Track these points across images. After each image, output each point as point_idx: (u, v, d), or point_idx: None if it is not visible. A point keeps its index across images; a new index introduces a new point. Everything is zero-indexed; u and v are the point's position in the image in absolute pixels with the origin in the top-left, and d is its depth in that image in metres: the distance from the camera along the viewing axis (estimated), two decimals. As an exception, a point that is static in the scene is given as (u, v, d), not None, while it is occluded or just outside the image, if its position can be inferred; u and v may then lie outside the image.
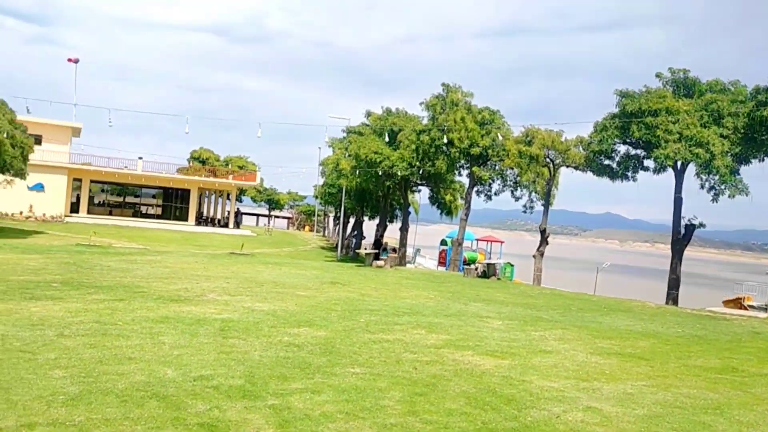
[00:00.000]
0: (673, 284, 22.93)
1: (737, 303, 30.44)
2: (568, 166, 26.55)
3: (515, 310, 14.72)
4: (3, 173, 39.58)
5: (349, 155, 35.20)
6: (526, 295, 19.01)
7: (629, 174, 24.02)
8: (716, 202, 21.07)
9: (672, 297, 23.01)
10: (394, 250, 38.84)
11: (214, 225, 63.38)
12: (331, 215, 69.57)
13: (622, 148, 23.81)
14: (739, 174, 21.22)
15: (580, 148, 25.27)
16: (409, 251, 56.42)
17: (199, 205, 75.31)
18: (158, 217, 61.59)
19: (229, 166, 79.39)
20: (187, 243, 44.18)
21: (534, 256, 27.71)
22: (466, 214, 31.72)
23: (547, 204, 27.51)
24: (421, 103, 31.04)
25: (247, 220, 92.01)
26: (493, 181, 31.89)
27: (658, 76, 22.95)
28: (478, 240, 48.69)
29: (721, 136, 20.62)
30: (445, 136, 29.12)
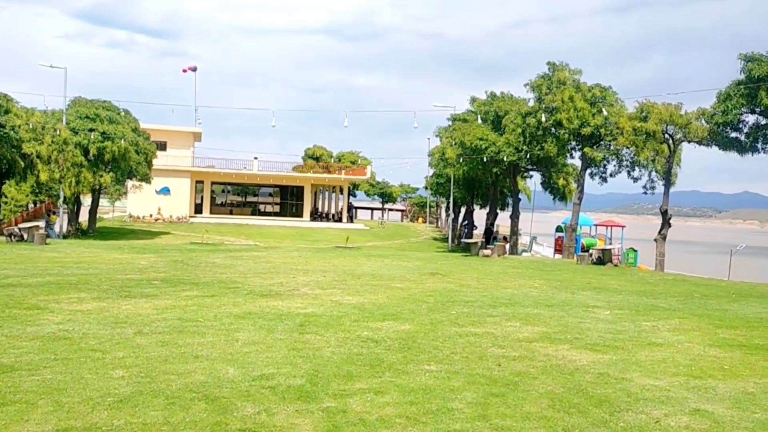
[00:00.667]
0: None
1: None
2: (690, 142, 24.38)
3: (628, 298, 13.54)
4: (130, 179, 42.51)
5: (455, 143, 34.48)
6: (644, 282, 17.57)
7: (759, 146, 21.64)
8: None
9: None
10: (505, 238, 37.72)
11: (328, 220, 64.79)
12: (443, 206, 68.92)
13: (751, 118, 21.49)
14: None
15: (703, 121, 23.06)
16: (525, 239, 54.79)
17: (314, 201, 77.45)
18: (276, 214, 63.90)
19: (341, 162, 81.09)
20: (300, 238, 45.43)
21: (656, 240, 25.74)
22: (580, 198, 30.09)
23: (667, 183, 25.42)
24: (526, 85, 29.78)
25: (362, 214, 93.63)
26: (608, 162, 30.01)
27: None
28: (596, 225, 46.30)
29: None
30: (552, 117, 27.72)
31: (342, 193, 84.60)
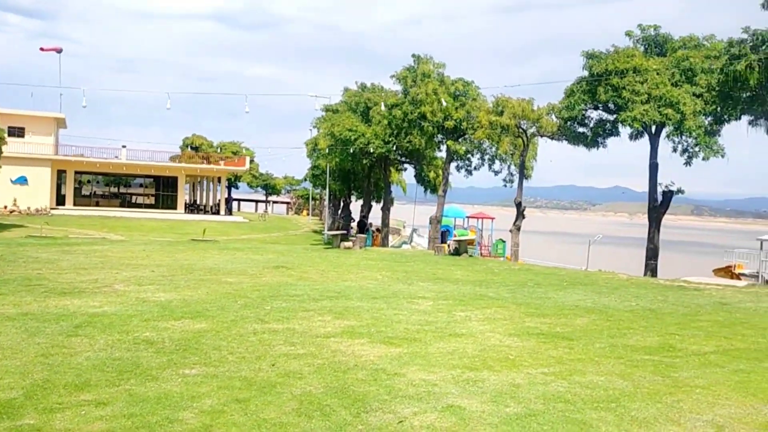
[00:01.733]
0: (651, 254, 21.78)
1: (728, 271, 29.25)
2: (542, 136, 25.28)
3: (462, 288, 13.64)
4: (-28, 167, 38.81)
5: (327, 134, 34.07)
6: (488, 272, 17.91)
7: (600, 140, 22.77)
8: (689, 165, 19.80)
9: (650, 267, 21.86)
10: (378, 230, 37.83)
11: (205, 212, 62.55)
12: (326, 198, 68.48)
13: (595, 114, 22.52)
14: (717, 135, 19.92)
15: (553, 116, 23.97)
16: (408, 231, 55.25)
17: (193, 192, 74.59)
18: (149, 206, 60.79)
19: (222, 152, 78.54)
20: (170, 231, 43.27)
21: (510, 231, 26.56)
22: (444, 191, 30.57)
23: (521, 176, 26.26)
24: (392, 76, 29.79)
25: (246, 207, 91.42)
26: (472, 155, 30.68)
27: (628, 34, 21.56)
28: (468, 217, 47.52)
29: (694, 95, 19.29)
30: (417, 110, 27.89)
31: (223, 185, 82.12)
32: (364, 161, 32.88)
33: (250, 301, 10.52)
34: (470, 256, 23.58)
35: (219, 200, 63.48)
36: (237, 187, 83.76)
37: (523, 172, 26.09)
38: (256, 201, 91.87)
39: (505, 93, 25.22)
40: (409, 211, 65.50)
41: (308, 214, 74.09)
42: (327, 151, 33.31)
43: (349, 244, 24.14)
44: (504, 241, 42.47)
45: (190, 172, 60.95)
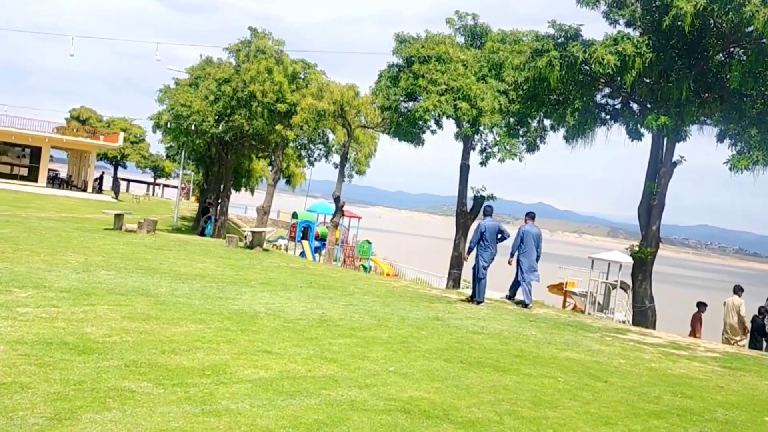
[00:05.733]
0: (455, 263, 19.99)
1: (560, 288, 28.05)
2: (367, 127, 23.25)
3: (126, 279, 11.19)
4: None
5: (168, 110, 31.13)
6: (231, 267, 15.51)
7: (421, 135, 20.86)
8: (485, 166, 18.13)
9: (453, 277, 20.08)
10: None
11: (71, 188, 58.09)
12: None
13: (411, 105, 20.57)
14: (518, 136, 18.32)
15: (376, 107, 21.96)
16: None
17: (76, 168, 69.78)
18: (14, 177, 56.04)
19: (111, 128, 73.86)
20: (11, 205, 39.25)
21: (327, 228, 24.40)
22: (275, 180, 28.21)
23: (342, 169, 24.16)
24: (225, 49, 27.19)
25: (139, 189, 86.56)
26: (313, 143, 28.44)
27: (448, 22, 19.79)
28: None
29: (499, 91, 17.60)
30: (247, 88, 25.40)
31: (112, 161, 77.26)
32: (197, 141, 30.14)
33: None
34: (266, 250, 21.20)
35: (89, 177, 59.14)
36: (125, 167, 79.08)
37: (344, 164, 23.96)
38: (149, 183, 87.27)
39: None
40: (290, 203, 63.07)
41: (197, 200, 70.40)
42: (166, 127, 30.36)
43: (133, 226, 21.39)
44: (370, 243, 40.52)
45: (55, 143, 56.41)
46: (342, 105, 21.95)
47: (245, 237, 20.87)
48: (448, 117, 17.87)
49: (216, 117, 26.85)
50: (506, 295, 14.68)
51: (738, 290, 15.34)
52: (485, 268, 13.18)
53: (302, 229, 37.75)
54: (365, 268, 39.72)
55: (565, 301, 27.36)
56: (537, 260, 13.45)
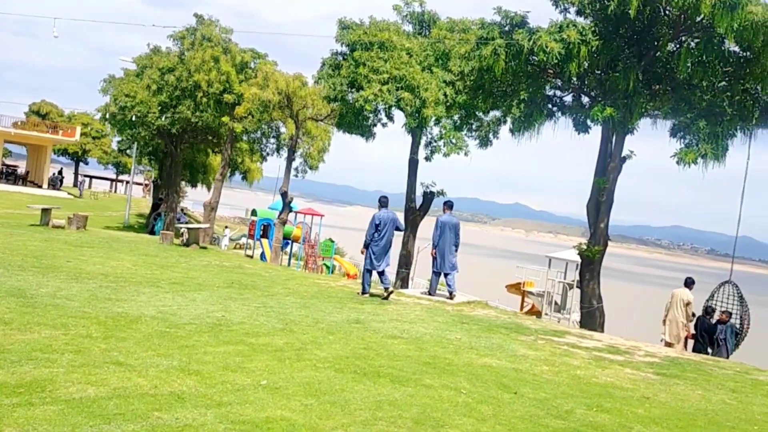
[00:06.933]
0: (404, 261, 19.14)
1: (518, 288, 27.45)
2: (316, 119, 22.27)
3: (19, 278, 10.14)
4: None
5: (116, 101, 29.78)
6: (146, 264, 14.49)
7: (371, 128, 19.96)
8: (429, 160, 17.28)
9: (402, 276, 19.23)
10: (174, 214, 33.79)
11: (26, 184, 56.21)
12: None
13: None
14: (464, 130, 17.50)
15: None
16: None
17: (29, 163, 67.75)
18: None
19: (72, 123, 71.79)
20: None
21: (274, 225, 23.41)
22: (222, 174, 27.10)
23: (289, 163, 23.15)
24: (169, 36, 25.98)
25: (102, 186, 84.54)
26: (266, 137, 27.37)
27: (395, 8, 18.91)
28: (297, 213, 44.20)
29: (446, 82, 16.77)
30: (192, 78, 24.26)
31: (73, 157, 75.20)
32: (143, 133, 28.87)
33: None
34: (204, 248, 20.15)
35: (45, 172, 57.29)
36: (86, 163, 77.10)
37: (292, 158, 22.95)
38: (112, 180, 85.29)
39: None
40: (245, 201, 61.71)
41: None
42: (108, 119, 29.04)
43: (61, 222, 20.25)
44: (333, 241, 39.54)
45: (8, 138, 54.55)
46: (288, 95, 20.93)
47: (182, 234, 19.76)
48: (389, 107, 17.01)
49: (160, 108, 25.66)
50: (428, 292, 14.05)
51: (689, 283, 14.55)
52: (377, 261, 12.86)
53: (261, 227, 36.67)
54: (328, 268, 38.75)
55: (523, 301, 26.73)
56: (456, 250, 13.14)
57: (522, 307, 26.70)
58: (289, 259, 38.32)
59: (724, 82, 14.74)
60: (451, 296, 13.54)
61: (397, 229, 12.94)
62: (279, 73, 21.33)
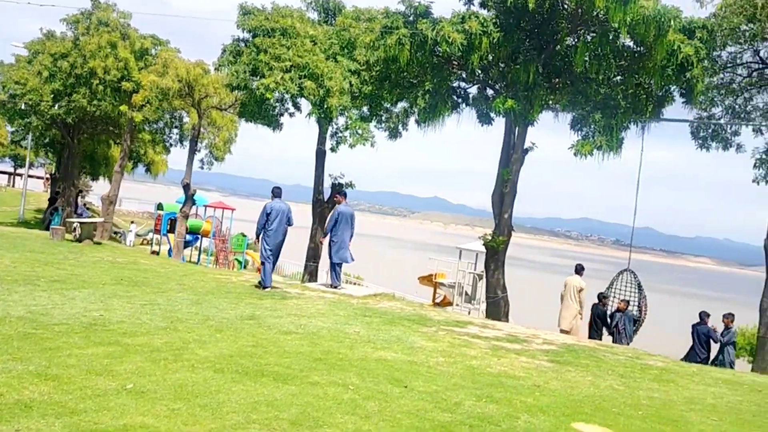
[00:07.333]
0: (311, 255, 18.75)
1: (430, 279, 27.54)
2: (220, 109, 21.46)
3: None
4: None
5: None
6: (27, 261, 13.49)
7: (278, 118, 19.39)
8: (335, 151, 17.01)
9: (310, 270, 18.85)
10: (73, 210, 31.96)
11: None
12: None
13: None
14: (373, 121, 17.32)
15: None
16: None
17: None
18: None
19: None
20: None
21: (177, 219, 22.49)
22: (121, 166, 25.78)
23: (191, 153, 22.26)
24: (62, 20, 24.40)
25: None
26: (169, 127, 26.21)
27: (301, -6, 18.46)
28: (206, 206, 42.82)
29: (351, 71, 16.47)
30: (87, 65, 22.86)
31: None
32: (36, 123, 27.07)
33: None
34: (99, 243, 19.03)
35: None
36: (-18, 155, 71.90)
37: (194, 149, 22.06)
38: (9, 173, 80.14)
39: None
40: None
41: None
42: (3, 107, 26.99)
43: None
44: (245, 235, 38.52)
45: None
46: (189, 83, 20.05)
47: (74, 229, 18.58)
48: (292, 96, 16.56)
49: (53, 96, 24.06)
50: (332, 285, 14.03)
51: (579, 269, 14.93)
52: (271, 251, 12.84)
53: (168, 221, 35.24)
54: (240, 263, 37.77)
55: (435, 292, 26.89)
56: (350, 239, 13.06)
57: (434, 299, 26.87)
58: (199, 255, 37.14)
59: (619, 76, 15.19)
60: (333, 287, 13.59)
61: (288, 222, 12.77)
62: (179, 60, 20.39)
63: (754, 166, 18.62)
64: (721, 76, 17.82)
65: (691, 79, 13.99)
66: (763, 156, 18.29)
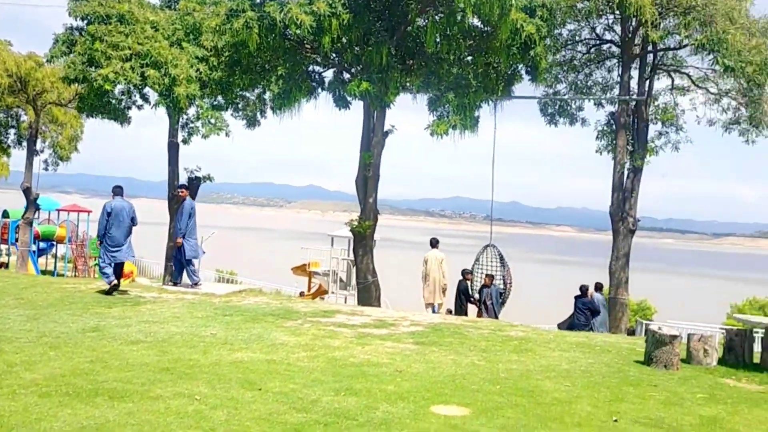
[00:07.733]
0: (171, 255, 17.75)
1: (304, 270, 27.14)
2: (60, 104, 19.70)
3: None
4: None
5: None
6: None
7: (125, 111, 18.09)
8: (187, 143, 16.21)
9: (170, 270, 17.87)
10: None
11: None
12: None
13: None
14: (229, 109, 16.62)
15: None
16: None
17: None
18: None
19: None
20: None
21: (18, 227, 20.54)
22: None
23: (30, 153, 20.37)
24: None
25: None
26: (2, 125, 23.74)
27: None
28: (59, 210, 39.65)
29: (198, 58, 15.59)
30: None
31: None
32: None
33: None
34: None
35: None
36: None
37: (33, 149, 20.17)
38: None
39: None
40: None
41: None
42: None
43: None
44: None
45: None
46: (22, 78, 18.18)
47: None
48: (136, 87, 15.45)
49: None
50: (173, 281, 14.02)
51: (435, 243, 15.30)
52: (113, 255, 12.26)
53: (16, 229, 32.25)
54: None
55: (310, 282, 26.52)
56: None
57: (309, 288, 26.50)
58: (55, 263, 34.33)
59: (469, 56, 15.46)
60: (193, 285, 13.48)
61: (132, 221, 12.10)
62: (8, 53, 18.40)
63: (596, 137, 19.88)
64: (563, 53, 18.77)
65: (535, 57, 14.50)
66: (604, 128, 19.52)
